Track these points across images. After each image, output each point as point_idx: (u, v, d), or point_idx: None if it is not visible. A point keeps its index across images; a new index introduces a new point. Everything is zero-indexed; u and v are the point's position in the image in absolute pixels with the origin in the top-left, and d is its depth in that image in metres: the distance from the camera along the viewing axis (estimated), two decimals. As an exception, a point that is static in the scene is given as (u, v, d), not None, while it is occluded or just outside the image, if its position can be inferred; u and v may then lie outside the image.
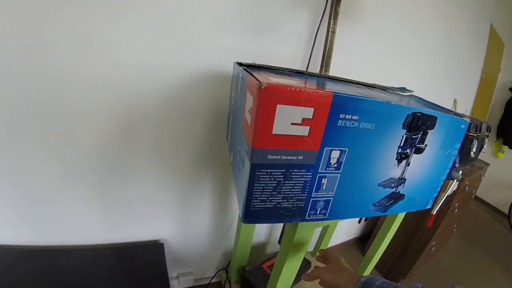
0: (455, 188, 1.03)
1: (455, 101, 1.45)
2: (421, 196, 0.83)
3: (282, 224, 1.71)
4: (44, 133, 1.14)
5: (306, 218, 0.66)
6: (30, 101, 1.07)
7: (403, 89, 0.99)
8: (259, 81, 0.51)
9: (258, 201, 0.59)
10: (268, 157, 0.54)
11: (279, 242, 1.64)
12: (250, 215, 0.60)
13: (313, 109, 0.53)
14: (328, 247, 1.81)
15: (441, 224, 1.89)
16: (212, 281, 1.87)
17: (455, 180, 0.89)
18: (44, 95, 1.07)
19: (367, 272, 1.32)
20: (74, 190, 1.32)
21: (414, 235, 2.02)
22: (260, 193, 0.58)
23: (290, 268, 0.93)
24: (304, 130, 0.54)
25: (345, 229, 2.32)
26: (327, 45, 1.24)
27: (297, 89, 0.50)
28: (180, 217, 1.57)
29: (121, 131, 1.23)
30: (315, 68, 1.33)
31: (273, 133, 0.52)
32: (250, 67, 0.78)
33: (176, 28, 1.10)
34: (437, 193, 0.87)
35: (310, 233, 0.85)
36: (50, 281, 1.31)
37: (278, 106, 0.51)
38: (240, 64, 0.85)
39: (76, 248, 1.45)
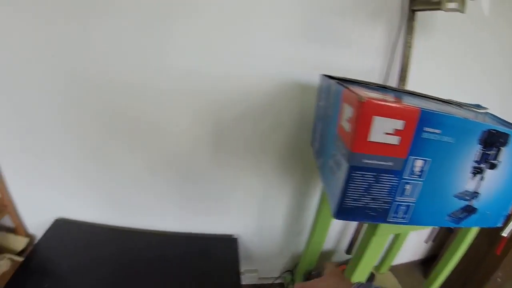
0: (532, 213, 1.10)
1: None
2: (493, 212, 0.91)
3: (351, 234, 1.81)
4: (135, 131, 1.48)
5: (388, 220, 0.78)
6: (126, 104, 1.41)
7: (478, 106, 1.09)
8: (358, 95, 0.65)
9: (350, 199, 0.72)
10: (363, 161, 0.68)
11: (347, 252, 1.75)
12: (342, 212, 0.74)
13: (403, 121, 0.66)
14: (392, 264, 1.90)
15: (510, 251, 1.86)
16: (276, 281, 2.02)
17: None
18: (135, 98, 1.40)
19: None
20: (159, 180, 1.63)
21: (481, 263, 2.01)
22: (353, 192, 0.71)
23: (361, 272, 1.05)
24: (395, 140, 0.67)
25: (411, 248, 2.35)
26: (404, 59, 1.37)
27: (391, 104, 0.64)
28: (256, 216, 1.79)
29: (208, 133, 1.51)
30: (391, 82, 1.47)
31: (368, 140, 0.66)
32: (341, 81, 0.93)
33: (261, 42, 1.34)
34: (508, 212, 0.93)
35: (386, 238, 0.97)
36: (128, 259, 1.60)
37: (375, 117, 0.64)
38: (330, 77, 1.00)
39: (155, 233, 1.75)
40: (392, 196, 0.74)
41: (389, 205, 0.75)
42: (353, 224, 1.86)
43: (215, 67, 1.36)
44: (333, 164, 0.80)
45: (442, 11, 1.19)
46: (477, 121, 0.73)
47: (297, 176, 1.71)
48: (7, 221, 2.01)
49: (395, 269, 1.93)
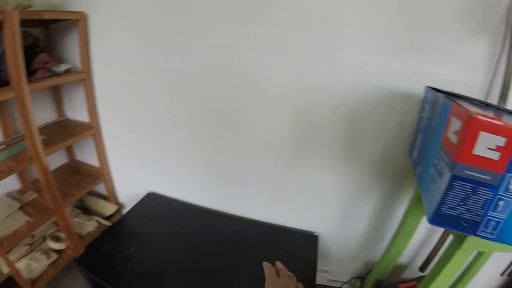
0: None
1: None
2: None
3: (428, 252, 1.83)
4: (240, 123, 1.74)
5: (478, 233, 0.83)
6: (238, 97, 1.68)
7: None
8: (469, 110, 0.71)
9: (447, 207, 0.79)
10: (465, 171, 0.74)
11: (420, 269, 1.78)
12: (438, 218, 0.81)
13: (506, 139, 0.71)
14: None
15: None
16: (343, 286, 2.11)
17: None
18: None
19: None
20: (254, 169, 1.88)
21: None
22: (451, 201, 0.78)
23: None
24: (496, 155, 0.73)
25: (484, 280, 2.28)
26: (506, 76, 1.36)
27: (497, 122, 0.70)
28: (339, 218, 1.90)
29: (306, 132, 1.67)
30: (492, 99, 1.48)
31: (473, 153, 0.72)
32: (447, 94, 1.00)
33: (364, 53, 1.45)
34: None
35: (469, 254, 1.02)
36: (210, 237, 1.85)
37: (481, 132, 0.71)
38: (437, 90, 1.07)
39: (242, 219, 2.00)
40: (485, 209, 0.80)
41: (481, 218, 0.81)
42: (432, 242, 1.88)
43: (320, 74, 1.52)
44: (434, 172, 0.88)
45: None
46: None
47: (387, 184, 1.76)
48: (102, 189, 2.27)
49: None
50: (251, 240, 1.86)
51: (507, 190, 0.77)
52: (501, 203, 0.79)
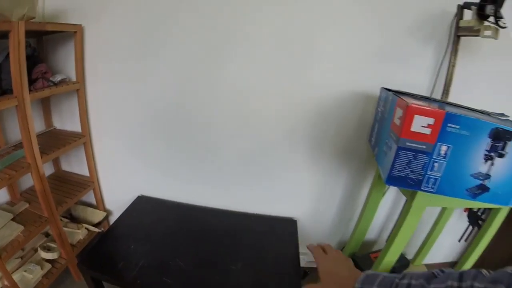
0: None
1: None
2: (504, 192, 1.19)
3: (391, 227, 2.26)
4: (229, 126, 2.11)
5: (422, 188, 1.22)
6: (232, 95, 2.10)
7: (502, 115, 1.45)
8: (406, 102, 1.15)
9: (396, 170, 1.20)
10: (407, 144, 1.15)
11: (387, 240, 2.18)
12: (391, 179, 1.22)
13: (434, 119, 1.11)
14: (423, 263, 2.34)
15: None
16: None
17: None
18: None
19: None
20: (231, 168, 2.27)
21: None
22: (399, 165, 1.19)
23: (397, 246, 1.51)
24: (428, 131, 1.13)
25: (445, 249, 2.65)
26: (448, 76, 1.81)
27: (426, 107, 1.11)
28: (314, 203, 2.32)
29: (286, 129, 2.08)
30: (437, 94, 1.91)
31: (411, 130, 1.13)
32: (396, 92, 1.44)
33: (338, 60, 1.89)
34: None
35: (421, 210, 1.40)
36: (201, 230, 2.17)
37: (415, 115, 1.12)
38: (388, 89, 1.52)
39: (230, 212, 2.35)
40: (424, 170, 1.19)
41: (423, 177, 1.21)
42: (393, 219, 2.34)
43: (298, 79, 1.96)
44: (386, 148, 1.30)
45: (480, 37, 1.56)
46: (486, 120, 1.08)
47: (352, 170, 2.21)
48: (88, 197, 2.61)
49: (428, 268, 2.11)
50: (241, 229, 2.18)
51: (439, 154, 1.16)
52: (436, 164, 1.18)
